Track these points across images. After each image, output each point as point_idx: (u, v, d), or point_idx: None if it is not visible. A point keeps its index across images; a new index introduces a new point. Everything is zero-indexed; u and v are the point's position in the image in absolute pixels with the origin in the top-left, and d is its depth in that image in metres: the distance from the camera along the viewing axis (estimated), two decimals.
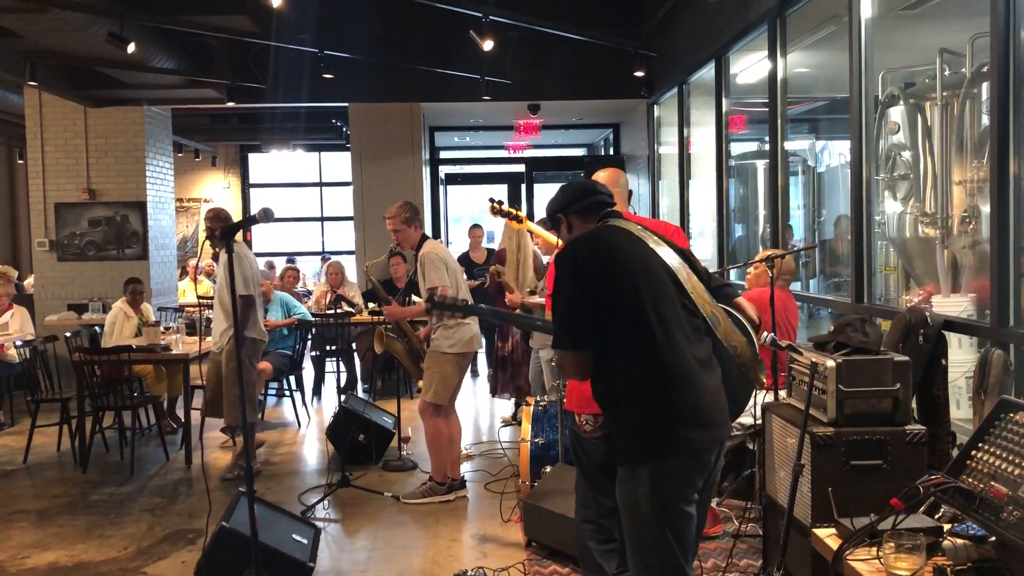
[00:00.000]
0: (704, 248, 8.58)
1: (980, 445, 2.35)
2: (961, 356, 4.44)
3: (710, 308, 2.73)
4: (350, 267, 11.16)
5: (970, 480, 2.28)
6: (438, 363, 5.37)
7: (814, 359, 3.06)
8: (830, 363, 3.00)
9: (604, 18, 9.53)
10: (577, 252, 2.75)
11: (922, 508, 2.42)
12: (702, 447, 2.61)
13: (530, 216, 9.66)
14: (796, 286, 6.88)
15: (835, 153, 9.34)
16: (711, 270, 3.02)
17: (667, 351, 2.58)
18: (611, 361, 2.64)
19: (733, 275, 6.85)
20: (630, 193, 3.91)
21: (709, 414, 2.60)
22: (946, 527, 2.36)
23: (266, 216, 3.09)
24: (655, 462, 2.57)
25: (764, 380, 2.72)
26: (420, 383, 5.77)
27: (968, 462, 2.34)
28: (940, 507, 2.47)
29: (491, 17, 7.26)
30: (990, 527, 2.16)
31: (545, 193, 14.23)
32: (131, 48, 7.12)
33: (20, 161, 13.87)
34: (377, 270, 7.22)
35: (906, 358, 3.09)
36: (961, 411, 4.31)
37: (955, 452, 2.85)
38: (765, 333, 2.97)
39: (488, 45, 7.35)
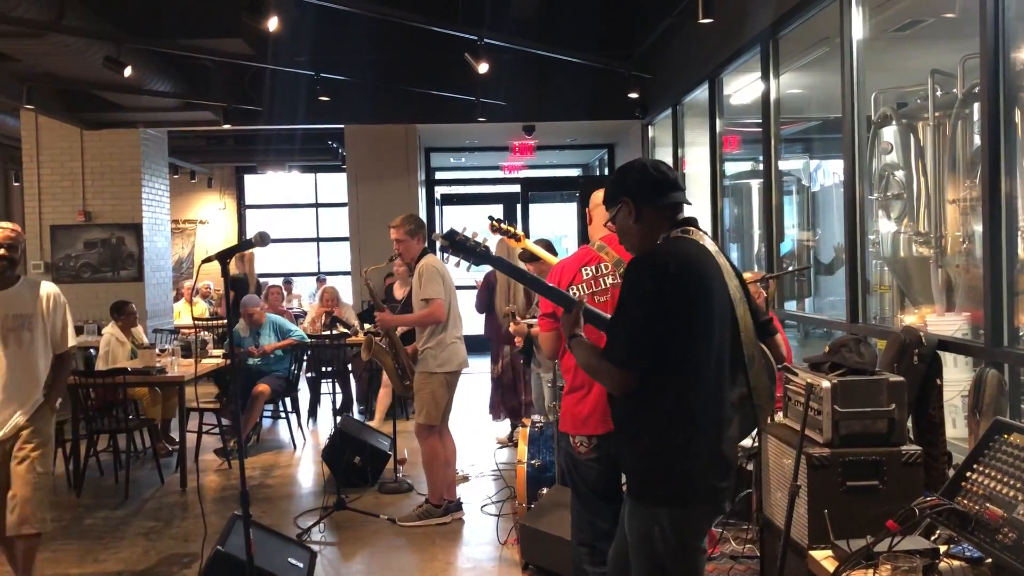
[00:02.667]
0: None
1: (975, 466, 2.35)
2: (957, 375, 4.45)
3: (752, 347, 2.56)
4: (346, 288, 11.17)
5: (965, 502, 2.28)
6: (427, 383, 5.36)
7: (809, 380, 3.06)
8: (825, 384, 3.00)
9: (598, 40, 9.59)
10: (665, 267, 2.47)
11: (918, 530, 2.42)
12: (724, 497, 2.59)
13: (526, 234, 9.65)
14: (791, 305, 6.89)
15: (829, 173, 9.39)
16: None
17: (715, 394, 2.48)
18: (655, 388, 2.47)
19: None
20: None
21: (732, 465, 2.58)
22: (942, 549, 2.36)
23: (262, 240, 3.10)
24: (677, 507, 2.52)
25: (766, 423, 2.71)
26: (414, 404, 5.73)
27: (963, 483, 2.35)
28: (936, 529, 2.47)
29: (486, 40, 7.31)
30: (986, 549, 2.16)
31: (540, 213, 14.29)
32: (128, 72, 7.15)
33: (16, 184, 13.88)
34: (376, 275, 7.22)
35: (901, 378, 3.09)
36: (957, 430, 4.31)
37: (951, 472, 2.84)
38: None
39: (483, 67, 7.40)
